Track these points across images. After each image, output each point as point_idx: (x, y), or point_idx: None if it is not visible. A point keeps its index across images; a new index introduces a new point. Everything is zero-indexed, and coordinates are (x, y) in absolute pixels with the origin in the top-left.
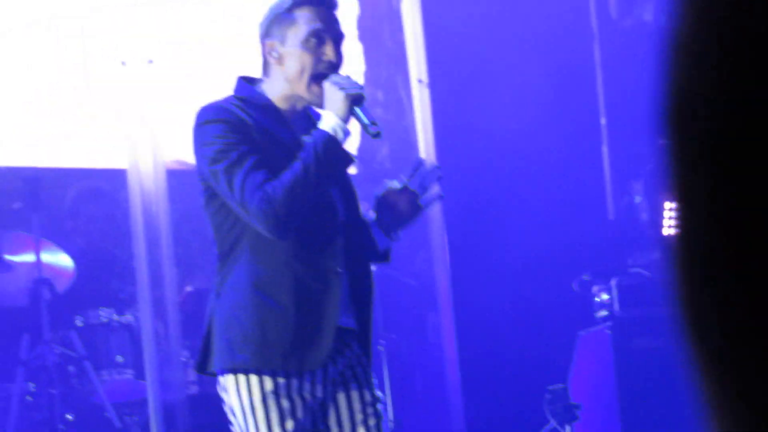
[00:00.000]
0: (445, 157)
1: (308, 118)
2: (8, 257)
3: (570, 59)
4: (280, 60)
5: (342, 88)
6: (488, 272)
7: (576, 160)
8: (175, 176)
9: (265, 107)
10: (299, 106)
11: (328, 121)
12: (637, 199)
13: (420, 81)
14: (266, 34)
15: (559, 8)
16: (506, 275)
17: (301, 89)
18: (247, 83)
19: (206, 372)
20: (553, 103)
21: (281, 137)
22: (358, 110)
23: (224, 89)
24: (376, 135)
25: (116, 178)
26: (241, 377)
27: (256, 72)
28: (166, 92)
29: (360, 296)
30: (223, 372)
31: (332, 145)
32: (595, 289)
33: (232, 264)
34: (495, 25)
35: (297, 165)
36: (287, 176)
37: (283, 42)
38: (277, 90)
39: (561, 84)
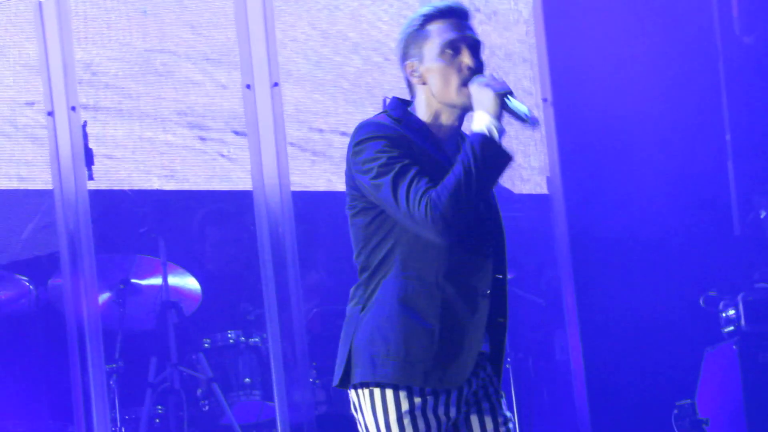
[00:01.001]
0: (569, 175)
1: (459, 138)
2: (136, 281)
3: (694, 76)
4: (421, 78)
5: (489, 87)
6: (614, 289)
7: (701, 176)
8: (300, 197)
9: (419, 128)
10: (450, 119)
11: (481, 121)
12: (763, 214)
13: (545, 100)
14: (404, 55)
15: (683, 25)
16: (632, 292)
17: (451, 97)
18: (400, 103)
19: (345, 386)
20: (678, 119)
21: (436, 157)
22: (510, 105)
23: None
24: (535, 124)
25: (242, 200)
26: (377, 393)
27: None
28: (289, 113)
29: (496, 319)
30: (362, 386)
31: (489, 144)
32: (721, 304)
33: (380, 278)
34: (619, 43)
35: (458, 168)
36: (450, 180)
37: (421, 60)
38: (425, 109)
39: (686, 100)
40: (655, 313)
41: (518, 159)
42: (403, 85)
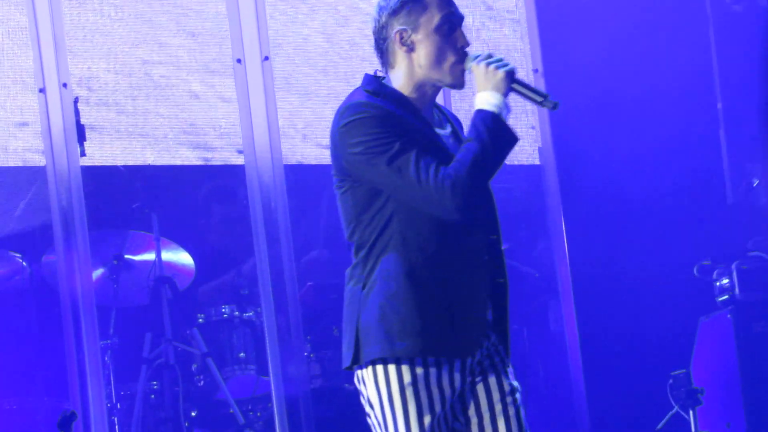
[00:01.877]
0: (561, 145)
1: (434, 108)
2: (129, 257)
3: (685, 45)
4: (411, 47)
5: (499, 67)
6: (607, 259)
7: (693, 146)
8: (293, 172)
9: (397, 99)
10: (430, 92)
11: (490, 100)
12: (755, 182)
13: (536, 71)
14: (393, 22)
15: None
16: (626, 262)
17: (441, 73)
18: (373, 77)
19: (355, 365)
20: (669, 88)
21: (421, 128)
22: (521, 87)
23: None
24: (555, 105)
25: (235, 174)
26: (392, 369)
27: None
28: (279, 89)
29: (496, 288)
30: (379, 362)
31: (501, 124)
32: (715, 273)
33: (378, 254)
34: (609, 11)
35: (472, 145)
36: (467, 156)
37: (415, 29)
38: (406, 79)
39: (676, 69)
40: (649, 282)
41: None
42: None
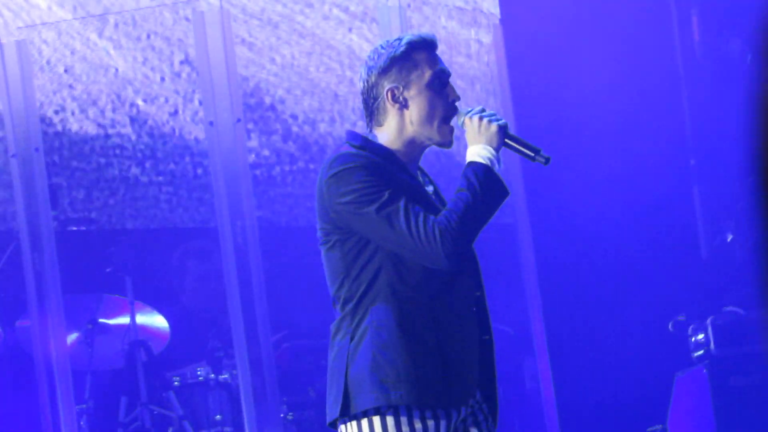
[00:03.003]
0: (535, 203)
1: (417, 164)
2: (104, 320)
3: (657, 102)
4: (403, 104)
5: (492, 121)
6: (583, 316)
7: (667, 201)
8: (268, 232)
9: (383, 154)
10: (417, 150)
11: (482, 153)
12: (730, 237)
13: None
14: (383, 81)
15: (645, 51)
16: (601, 318)
17: (431, 131)
18: (357, 133)
19: (342, 418)
20: (643, 145)
21: (406, 180)
22: (513, 142)
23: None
24: (548, 160)
25: (209, 236)
26: (390, 419)
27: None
28: (253, 148)
29: (483, 345)
30: (372, 413)
31: (493, 176)
32: (690, 329)
33: (368, 306)
34: (582, 71)
35: (464, 195)
36: (458, 206)
37: (407, 86)
38: (395, 136)
39: (649, 126)
40: (624, 338)
41: None
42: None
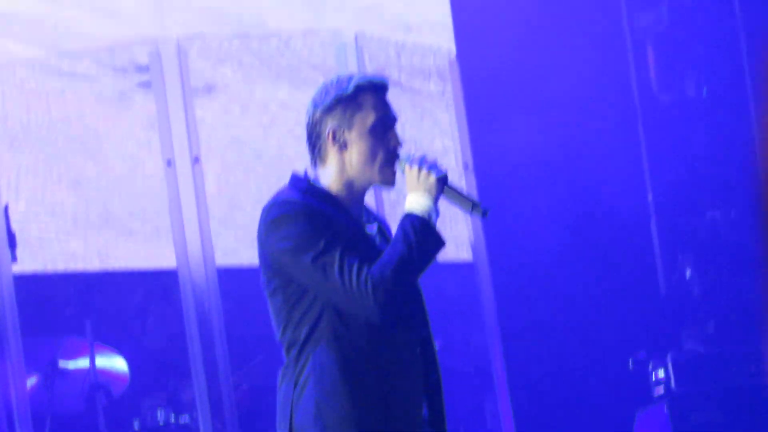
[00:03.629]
0: (493, 241)
1: (362, 205)
2: (63, 363)
3: (614, 136)
4: (343, 145)
5: (430, 170)
6: (542, 354)
7: (625, 237)
8: (227, 274)
9: (325, 197)
10: (359, 190)
11: (420, 202)
12: (688, 273)
13: (466, 167)
14: (327, 119)
15: (601, 85)
16: (561, 356)
17: (372, 174)
18: (300, 176)
19: None
20: (599, 181)
21: (349, 226)
22: (452, 192)
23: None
24: (485, 213)
25: (167, 278)
26: None
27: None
28: (212, 190)
29: (430, 384)
30: None
31: (429, 227)
32: (650, 366)
33: (310, 351)
34: (537, 104)
35: (399, 246)
36: (392, 258)
37: (349, 127)
38: (335, 176)
39: (606, 161)
40: (585, 376)
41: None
42: None
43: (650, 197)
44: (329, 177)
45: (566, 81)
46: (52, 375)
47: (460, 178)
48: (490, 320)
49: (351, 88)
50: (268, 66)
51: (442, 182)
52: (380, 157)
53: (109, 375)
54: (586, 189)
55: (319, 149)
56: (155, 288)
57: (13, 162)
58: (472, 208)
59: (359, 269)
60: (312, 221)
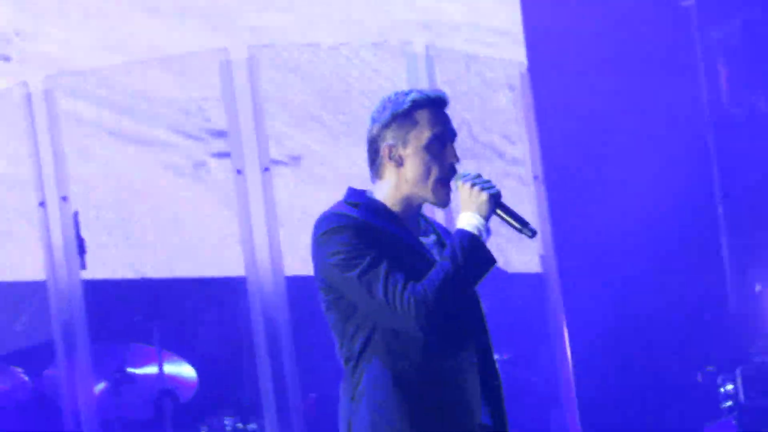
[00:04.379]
0: (563, 252)
1: (420, 217)
2: (131, 370)
3: (685, 150)
4: (399, 161)
5: (483, 189)
6: (611, 368)
7: (695, 253)
8: (295, 282)
9: (381, 211)
10: (414, 206)
11: (471, 221)
12: (758, 287)
13: (536, 177)
14: (384, 135)
15: (673, 98)
16: (630, 369)
17: (425, 191)
18: (356, 190)
19: None
20: (671, 194)
21: (402, 239)
22: (503, 212)
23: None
24: (533, 234)
25: (237, 286)
26: None
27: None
28: (282, 198)
29: (491, 392)
30: None
31: (478, 245)
32: (719, 379)
33: (365, 365)
34: (608, 119)
35: (446, 264)
36: (438, 276)
37: (404, 144)
38: (392, 192)
39: (677, 175)
40: (653, 389)
41: (509, 237)
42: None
43: (720, 210)
44: (385, 192)
45: (637, 94)
46: (121, 381)
47: (530, 190)
48: (559, 332)
49: (407, 103)
50: (339, 77)
51: (495, 200)
52: (435, 173)
53: (177, 381)
54: (656, 202)
55: (377, 164)
56: (223, 296)
57: (83, 170)
58: (522, 229)
59: (403, 287)
60: (359, 235)
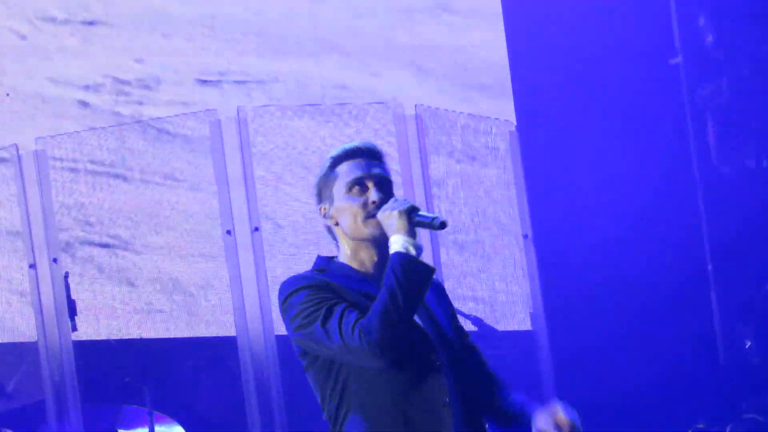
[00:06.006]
0: (552, 309)
1: (383, 261)
2: (122, 431)
3: (674, 207)
4: (334, 219)
5: (394, 210)
6: (602, 425)
7: (684, 308)
8: (286, 341)
9: (344, 272)
10: (370, 254)
11: (396, 242)
12: (748, 344)
13: (525, 236)
14: (318, 200)
15: (659, 153)
16: (621, 427)
17: (360, 232)
18: (324, 257)
19: None
20: (660, 251)
21: (369, 292)
22: (418, 218)
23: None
24: (443, 224)
25: (227, 346)
26: None
27: None
28: (272, 255)
29: (477, 422)
30: None
31: (407, 261)
32: None
33: (342, 420)
34: (596, 176)
35: (382, 292)
36: (377, 305)
37: (331, 200)
38: (345, 249)
39: (666, 232)
40: None
41: (500, 295)
42: None
43: (710, 267)
44: (342, 252)
45: (626, 153)
46: None
47: (520, 249)
48: (549, 390)
49: (328, 161)
50: (332, 135)
51: (407, 214)
52: (360, 214)
53: None
54: (646, 259)
55: (328, 230)
56: (215, 355)
57: (72, 231)
58: (431, 223)
59: (355, 322)
60: (317, 291)
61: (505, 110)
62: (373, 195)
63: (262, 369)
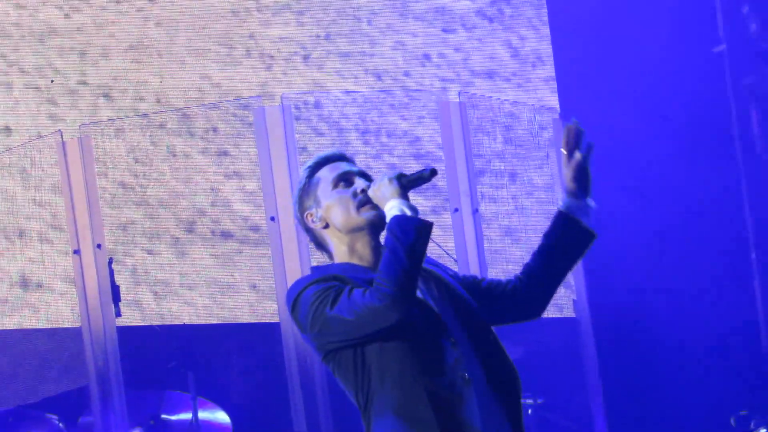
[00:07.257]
0: (596, 297)
1: (378, 249)
2: (166, 417)
3: (718, 196)
4: (323, 221)
5: (381, 180)
6: (644, 413)
7: (727, 295)
8: None
9: (349, 268)
10: (366, 246)
11: (391, 207)
12: None
13: None
14: (301, 211)
15: (704, 145)
16: (664, 415)
17: (353, 220)
18: (319, 266)
19: None
20: (703, 239)
21: (373, 279)
22: (406, 179)
23: None
24: (433, 172)
25: (270, 331)
26: None
27: None
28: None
29: (505, 395)
30: None
31: (404, 220)
32: (752, 424)
33: (370, 413)
34: (638, 164)
35: (384, 253)
36: (381, 265)
37: (318, 204)
38: (341, 249)
39: (709, 221)
40: None
41: None
42: None
43: (753, 256)
44: (339, 254)
45: (669, 142)
46: (155, 428)
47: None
48: (593, 378)
49: (306, 171)
50: (368, 125)
51: (397, 180)
52: (351, 204)
53: (212, 427)
54: (690, 248)
55: (318, 240)
56: (258, 340)
57: (117, 218)
58: (422, 174)
59: (363, 293)
60: (323, 282)
61: (549, 99)
62: (360, 184)
63: (305, 354)
